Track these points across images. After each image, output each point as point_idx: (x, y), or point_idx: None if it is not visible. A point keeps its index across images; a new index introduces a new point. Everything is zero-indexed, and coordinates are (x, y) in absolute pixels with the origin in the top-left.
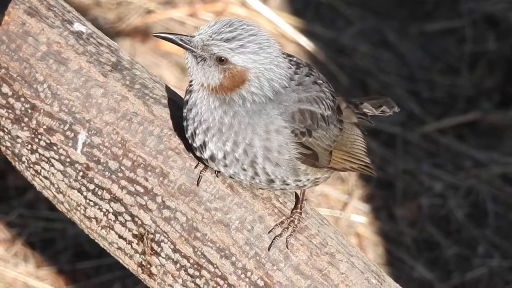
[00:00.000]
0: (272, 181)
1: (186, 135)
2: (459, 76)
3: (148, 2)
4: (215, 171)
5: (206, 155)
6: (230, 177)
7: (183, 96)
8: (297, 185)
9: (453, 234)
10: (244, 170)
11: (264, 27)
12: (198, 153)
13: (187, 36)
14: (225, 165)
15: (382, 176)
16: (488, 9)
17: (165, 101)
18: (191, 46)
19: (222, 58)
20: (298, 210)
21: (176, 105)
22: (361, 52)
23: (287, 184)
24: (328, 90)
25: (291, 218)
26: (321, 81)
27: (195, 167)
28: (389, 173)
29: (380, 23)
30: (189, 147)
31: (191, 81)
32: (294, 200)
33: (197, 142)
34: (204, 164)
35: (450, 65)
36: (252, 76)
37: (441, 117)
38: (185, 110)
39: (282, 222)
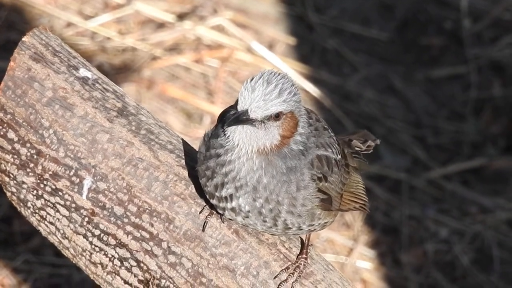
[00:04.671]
0: (289, 228)
1: (207, 183)
2: (465, 122)
3: (154, 48)
4: (220, 216)
5: (229, 205)
6: (244, 225)
7: (189, 142)
8: (309, 229)
9: (458, 280)
10: (264, 221)
11: None
12: (215, 201)
13: (241, 112)
14: (246, 217)
15: (388, 222)
16: (494, 55)
17: (171, 147)
18: (254, 119)
19: (278, 114)
20: (304, 256)
21: (182, 151)
22: (367, 98)
23: (301, 229)
24: (333, 135)
25: (297, 264)
26: (327, 126)
27: (200, 213)
28: (394, 219)
29: (386, 69)
30: (195, 193)
31: (228, 140)
32: (300, 245)
33: (222, 194)
34: (211, 208)
35: (456, 111)
36: (298, 116)
37: (447, 163)
38: (211, 162)
39: (287, 268)
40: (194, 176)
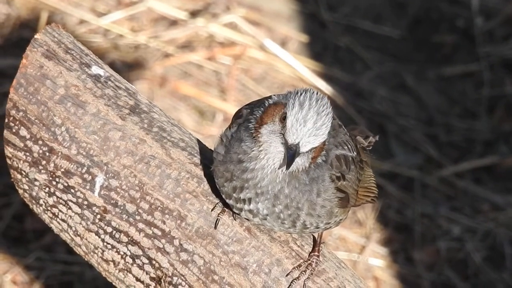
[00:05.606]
0: (307, 228)
1: (224, 183)
2: (477, 120)
3: (166, 45)
4: (232, 213)
5: (247, 207)
6: (260, 225)
7: (201, 140)
8: (326, 227)
9: (470, 278)
10: (283, 224)
11: (283, 71)
12: (232, 201)
13: (294, 147)
14: (264, 219)
15: (400, 220)
16: (506, 53)
17: (183, 144)
18: (304, 152)
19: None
20: (316, 253)
21: (194, 149)
22: (380, 96)
23: (318, 228)
24: (347, 131)
25: (309, 261)
26: (341, 123)
27: (212, 210)
28: (407, 217)
29: (398, 67)
30: (207, 191)
31: (253, 149)
32: (312, 243)
33: (241, 196)
34: (223, 206)
35: (468, 109)
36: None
37: (459, 161)
38: (230, 165)
39: (299, 265)
40: (206, 174)
